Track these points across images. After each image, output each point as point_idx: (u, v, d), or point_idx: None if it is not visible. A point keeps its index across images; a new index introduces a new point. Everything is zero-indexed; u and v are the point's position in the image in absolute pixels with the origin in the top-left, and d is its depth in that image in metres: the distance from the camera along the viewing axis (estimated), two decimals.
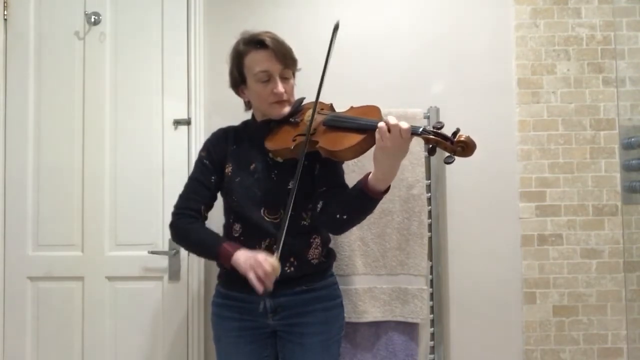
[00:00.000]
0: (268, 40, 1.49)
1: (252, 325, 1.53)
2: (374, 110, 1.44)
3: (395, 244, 1.93)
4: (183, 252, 1.99)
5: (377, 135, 1.27)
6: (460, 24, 2.08)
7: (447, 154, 1.25)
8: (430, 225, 1.98)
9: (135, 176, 2.03)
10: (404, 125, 1.25)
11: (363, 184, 1.35)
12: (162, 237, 2.00)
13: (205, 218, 1.59)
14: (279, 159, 1.54)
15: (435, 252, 1.99)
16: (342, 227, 1.48)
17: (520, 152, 2.06)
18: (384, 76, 2.06)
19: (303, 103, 1.58)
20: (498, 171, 2.05)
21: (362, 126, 1.36)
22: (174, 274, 2.00)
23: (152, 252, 1.98)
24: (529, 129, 2.06)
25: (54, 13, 2.07)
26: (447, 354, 2.01)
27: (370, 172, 1.34)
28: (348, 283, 1.89)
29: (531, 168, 2.06)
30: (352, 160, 1.79)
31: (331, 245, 1.66)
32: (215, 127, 1.71)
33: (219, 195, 1.62)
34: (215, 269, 1.65)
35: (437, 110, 2.01)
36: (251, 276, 1.34)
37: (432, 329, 1.98)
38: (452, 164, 1.25)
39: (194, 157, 1.79)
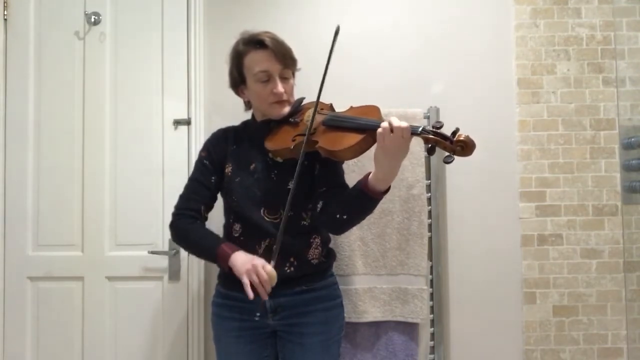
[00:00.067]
0: (268, 40, 1.49)
1: (252, 325, 1.52)
2: (374, 110, 1.44)
3: (395, 244, 1.93)
4: (183, 252, 1.99)
5: (379, 136, 1.27)
6: (460, 24, 2.08)
7: (447, 154, 1.25)
8: (430, 225, 1.98)
9: (135, 176, 2.03)
10: (403, 124, 1.25)
11: (363, 184, 1.35)
12: (162, 237, 2.00)
13: (206, 218, 1.59)
14: (279, 159, 1.54)
15: (435, 252, 1.99)
16: (342, 227, 1.48)
17: (520, 152, 2.06)
18: (384, 76, 2.06)
19: (303, 103, 1.58)
20: (498, 171, 2.05)
21: (362, 126, 1.36)
22: (174, 274, 2.00)
23: (152, 252, 1.98)
24: (529, 129, 2.06)
25: (54, 13, 2.07)
26: (447, 354, 2.00)
27: (370, 172, 1.34)
28: (348, 283, 1.89)
29: (531, 168, 2.06)
30: (352, 160, 1.79)
31: (331, 245, 1.66)
32: (215, 127, 1.71)
33: (219, 195, 1.62)
34: (215, 269, 1.65)
35: (437, 110, 2.01)
36: (245, 281, 1.35)
37: (432, 329, 1.98)
38: (451, 164, 1.26)
39: (194, 157, 1.79)
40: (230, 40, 1.57)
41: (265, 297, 1.35)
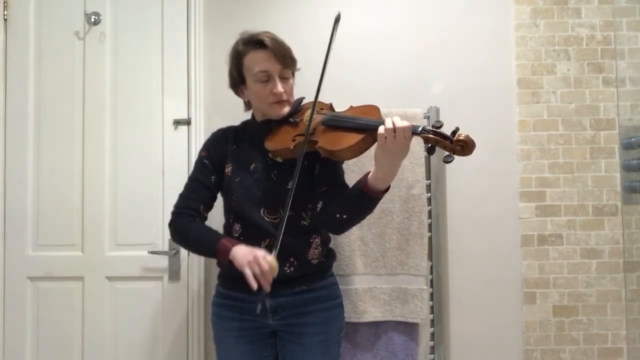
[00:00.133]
0: (267, 40, 1.49)
1: (252, 325, 1.52)
2: (374, 110, 1.44)
3: (395, 244, 1.93)
4: (183, 252, 1.99)
5: (380, 136, 1.27)
6: (461, 24, 2.08)
7: (447, 153, 1.25)
8: (430, 225, 1.98)
9: (135, 176, 2.03)
10: (405, 124, 1.25)
11: (363, 183, 1.35)
12: (162, 237, 2.00)
13: (205, 218, 1.59)
14: (279, 159, 1.54)
15: (435, 252, 1.99)
16: (342, 227, 1.48)
17: (520, 152, 2.06)
18: (384, 76, 2.06)
19: (302, 103, 1.58)
20: (498, 171, 2.04)
21: (362, 126, 1.36)
22: (174, 274, 2.00)
23: (152, 252, 1.98)
24: (529, 129, 2.06)
25: (54, 13, 2.07)
26: (447, 354, 2.00)
27: (370, 172, 1.34)
28: (348, 283, 1.89)
29: (531, 168, 2.06)
30: (352, 160, 1.79)
31: (331, 245, 1.65)
32: (215, 127, 1.71)
33: (219, 195, 1.62)
34: (215, 269, 1.65)
35: (437, 110, 2.00)
36: (247, 272, 1.33)
37: (432, 329, 1.98)
38: (451, 164, 1.26)
39: (194, 157, 1.79)
40: (230, 40, 1.57)
41: (268, 289, 1.34)
